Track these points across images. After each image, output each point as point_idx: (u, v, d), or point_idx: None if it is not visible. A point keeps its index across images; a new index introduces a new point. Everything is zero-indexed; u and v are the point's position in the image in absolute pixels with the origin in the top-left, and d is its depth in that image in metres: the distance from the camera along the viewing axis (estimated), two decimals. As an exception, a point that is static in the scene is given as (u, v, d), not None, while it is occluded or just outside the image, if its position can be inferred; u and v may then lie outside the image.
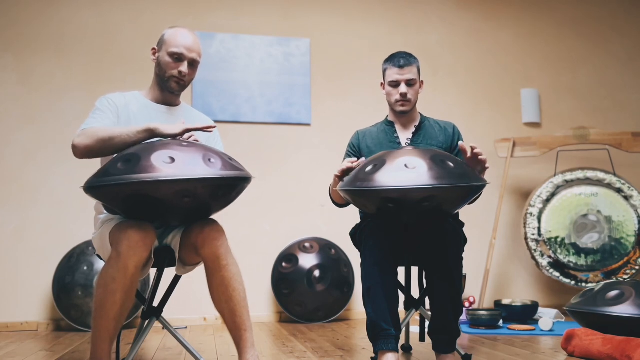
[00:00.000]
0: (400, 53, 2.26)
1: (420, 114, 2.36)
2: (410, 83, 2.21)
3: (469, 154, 1.95)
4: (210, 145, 2.08)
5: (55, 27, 3.63)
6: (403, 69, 2.20)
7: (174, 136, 1.82)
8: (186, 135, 1.90)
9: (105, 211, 1.92)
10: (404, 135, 2.30)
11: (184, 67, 2.00)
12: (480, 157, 1.93)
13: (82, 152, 1.83)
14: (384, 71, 2.27)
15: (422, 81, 2.29)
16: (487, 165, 1.96)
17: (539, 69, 4.29)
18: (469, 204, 2.10)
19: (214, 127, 1.85)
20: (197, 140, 1.89)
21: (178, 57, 1.99)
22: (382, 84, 2.31)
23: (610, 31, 4.43)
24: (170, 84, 2.02)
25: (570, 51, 4.36)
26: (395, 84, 2.22)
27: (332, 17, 4.03)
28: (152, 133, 1.81)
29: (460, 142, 1.98)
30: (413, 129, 2.30)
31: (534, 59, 4.30)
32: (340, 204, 2.26)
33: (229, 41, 3.82)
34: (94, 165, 2.16)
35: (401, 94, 2.21)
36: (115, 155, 1.78)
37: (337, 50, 4.00)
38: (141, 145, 1.73)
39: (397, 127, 2.32)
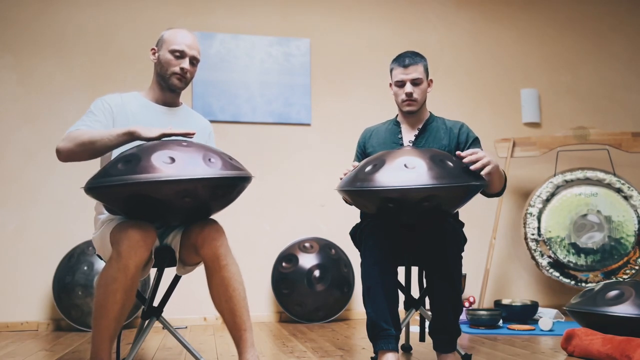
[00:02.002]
0: (407, 53, 2.23)
1: (431, 113, 2.32)
2: (415, 82, 2.18)
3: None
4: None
5: (55, 28, 3.63)
6: (408, 68, 2.18)
7: (152, 140, 1.80)
8: None
9: (105, 211, 1.92)
10: (408, 137, 2.27)
11: (186, 64, 2.01)
12: (474, 165, 1.86)
13: (65, 156, 1.86)
14: (391, 71, 2.25)
15: (430, 80, 2.26)
16: (487, 167, 1.86)
17: (539, 69, 4.29)
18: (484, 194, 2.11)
19: (193, 133, 1.83)
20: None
21: (180, 54, 2.01)
22: (390, 84, 2.29)
23: (611, 31, 4.43)
24: (172, 81, 2.02)
25: (570, 51, 4.36)
26: (400, 84, 2.20)
27: (332, 17, 4.03)
28: (131, 136, 1.81)
29: (457, 152, 1.92)
30: (416, 131, 2.27)
31: (534, 59, 4.30)
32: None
33: (229, 41, 3.82)
34: (94, 165, 2.16)
35: (406, 94, 2.18)
36: (115, 156, 1.78)
37: (337, 50, 4.00)
38: (141, 146, 1.74)
39: (403, 127, 2.29)
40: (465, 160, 1.87)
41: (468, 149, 2.16)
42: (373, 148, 2.28)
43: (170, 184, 1.59)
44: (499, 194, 2.15)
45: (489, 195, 2.17)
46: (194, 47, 2.03)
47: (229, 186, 1.72)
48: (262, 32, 3.90)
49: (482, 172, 1.87)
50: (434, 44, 4.16)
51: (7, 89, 3.54)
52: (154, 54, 2.06)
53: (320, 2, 4.03)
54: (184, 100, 2.20)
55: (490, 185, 2.05)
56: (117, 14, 3.72)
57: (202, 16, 3.83)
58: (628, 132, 3.86)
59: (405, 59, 2.20)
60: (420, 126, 2.27)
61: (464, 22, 4.23)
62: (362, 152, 2.34)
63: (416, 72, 2.18)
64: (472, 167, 1.85)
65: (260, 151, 3.79)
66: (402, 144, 2.25)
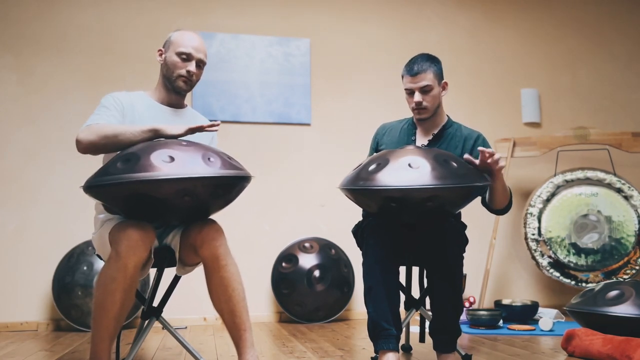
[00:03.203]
0: (416, 58, 2.16)
1: (449, 118, 2.27)
2: (424, 90, 2.11)
3: (477, 162, 1.90)
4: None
5: (55, 28, 3.63)
6: (416, 76, 2.11)
7: (178, 137, 1.82)
8: None
9: (105, 211, 1.92)
10: (421, 140, 2.23)
11: (192, 67, 2.01)
12: (492, 159, 1.88)
13: (86, 147, 1.83)
14: (402, 78, 2.20)
15: (445, 83, 2.18)
16: (499, 165, 1.90)
17: (539, 69, 4.29)
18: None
19: (218, 124, 1.84)
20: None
21: (186, 57, 2.01)
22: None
23: (611, 31, 4.43)
24: (178, 83, 2.02)
25: (570, 51, 4.36)
26: (410, 92, 2.15)
27: (332, 17, 4.03)
28: (156, 133, 1.81)
29: (465, 155, 1.91)
30: (431, 136, 2.22)
31: (534, 59, 4.30)
32: None
33: (229, 41, 3.82)
34: (94, 165, 2.16)
35: (416, 102, 2.13)
36: (114, 155, 1.78)
37: (337, 50, 4.00)
38: (140, 145, 1.73)
39: (419, 130, 2.25)
40: (486, 157, 1.87)
41: None
42: (385, 145, 2.26)
43: (169, 183, 1.59)
44: (504, 210, 2.11)
45: (494, 210, 2.13)
46: (201, 50, 2.04)
47: (229, 185, 1.72)
48: (262, 32, 3.89)
49: (497, 166, 1.89)
50: (434, 44, 4.15)
51: (7, 89, 3.53)
52: (160, 55, 2.06)
53: (320, 2, 4.03)
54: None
55: (493, 195, 2.04)
56: (117, 14, 3.72)
57: (202, 16, 3.83)
58: (628, 132, 3.86)
59: (414, 66, 2.12)
60: (435, 132, 2.22)
61: (464, 22, 4.23)
62: (376, 148, 2.32)
63: (425, 79, 2.10)
64: (489, 161, 1.87)
65: (260, 151, 3.79)
66: None
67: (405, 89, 2.16)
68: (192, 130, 1.82)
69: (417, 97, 2.12)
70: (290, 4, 3.98)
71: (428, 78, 2.10)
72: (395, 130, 2.29)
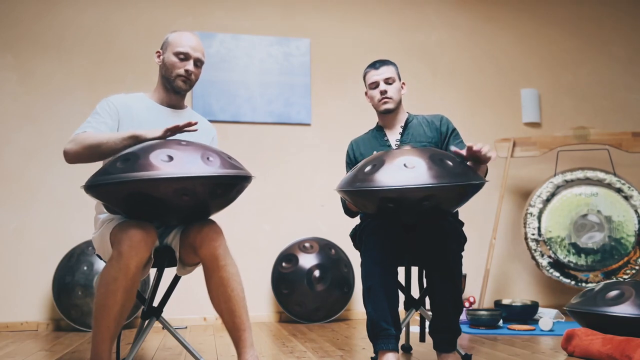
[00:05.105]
0: (377, 60, 2.35)
1: (409, 113, 2.40)
2: (388, 81, 2.28)
3: (465, 154, 1.91)
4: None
5: (56, 28, 3.63)
6: (379, 69, 2.29)
7: (157, 139, 1.79)
8: None
9: (105, 211, 1.92)
10: (393, 137, 2.33)
11: (190, 66, 2.02)
12: (481, 153, 1.88)
13: (72, 158, 1.88)
14: (364, 78, 2.35)
15: (403, 82, 2.35)
16: (490, 154, 1.90)
17: (539, 69, 4.29)
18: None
19: (196, 123, 1.82)
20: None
21: (184, 57, 2.02)
22: (365, 93, 2.37)
23: (610, 32, 4.43)
24: (177, 83, 2.03)
25: (570, 51, 4.36)
26: (374, 85, 2.30)
27: (332, 18, 4.03)
28: (136, 139, 1.81)
29: (452, 147, 1.94)
30: (400, 129, 2.34)
31: (534, 59, 4.30)
32: (354, 211, 2.27)
33: (229, 41, 3.82)
34: (94, 165, 2.16)
35: (381, 92, 2.27)
36: (114, 155, 1.78)
37: (337, 50, 4.00)
38: (140, 145, 1.74)
39: (386, 130, 2.37)
40: (475, 148, 1.88)
41: (449, 139, 2.27)
42: (362, 156, 2.33)
43: (167, 182, 1.59)
44: None
45: None
46: (199, 49, 2.05)
47: (228, 185, 1.72)
48: (262, 32, 3.90)
49: (487, 157, 1.90)
50: (433, 44, 4.15)
51: (7, 89, 3.54)
52: (158, 56, 2.07)
53: (320, 2, 4.03)
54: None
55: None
56: (118, 15, 3.72)
57: (202, 16, 3.83)
58: (628, 132, 3.86)
59: (376, 63, 2.31)
60: (402, 125, 2.34)
61: (464, 22, 4.23)
62: (354, 162, 2.37)
63: (387, 72, 2.28)
64: (483, 150, 1.87)
65: (260, 151, 3.79)
66: (389, 145, 2.30)
67: (370, 84, 2.31)
68: (170, 131, 1.79)
69: (383, 86, 2.27)
70: (290, 4, 3.98)
71: (390, 71, 2.29)
72: (367, 140, 2.39)
